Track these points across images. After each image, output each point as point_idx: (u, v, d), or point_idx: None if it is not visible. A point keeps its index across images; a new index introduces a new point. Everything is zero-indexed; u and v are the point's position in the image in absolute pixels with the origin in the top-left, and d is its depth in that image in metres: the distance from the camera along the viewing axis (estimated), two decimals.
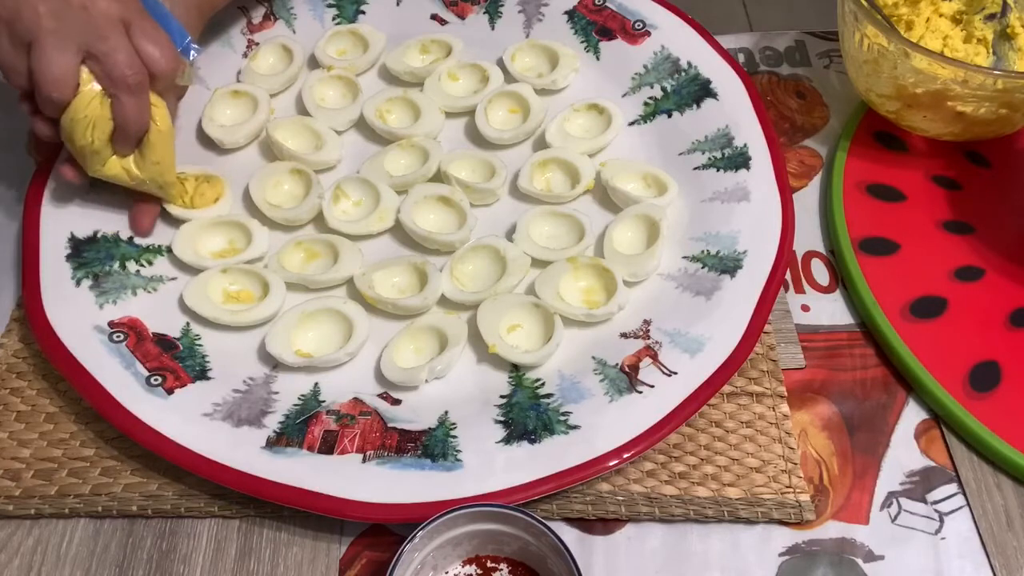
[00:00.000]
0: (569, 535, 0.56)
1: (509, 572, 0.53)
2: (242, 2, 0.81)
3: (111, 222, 0.67)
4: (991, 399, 0.59)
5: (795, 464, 0.57)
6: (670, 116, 0.74)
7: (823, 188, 0.73)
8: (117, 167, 0.63)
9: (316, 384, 0.61)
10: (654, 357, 0.60)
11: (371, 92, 0.76)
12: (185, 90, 0.69)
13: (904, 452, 0.59)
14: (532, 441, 0.56)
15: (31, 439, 0.59)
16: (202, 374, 0.61)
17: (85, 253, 0.66)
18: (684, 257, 0.66)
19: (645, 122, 0.75)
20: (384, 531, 0.56)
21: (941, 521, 0.56)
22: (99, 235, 0.67)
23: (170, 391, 0.59)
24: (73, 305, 0.63)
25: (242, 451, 0.56)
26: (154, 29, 0.61)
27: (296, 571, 0.55)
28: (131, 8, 0.60)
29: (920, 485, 0.58)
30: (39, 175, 0.69)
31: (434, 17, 0.82)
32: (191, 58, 0.65)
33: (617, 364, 0.60)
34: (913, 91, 0.67)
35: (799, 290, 0.67)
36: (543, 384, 0.60)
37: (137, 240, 0.67)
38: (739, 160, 0.69)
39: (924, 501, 0.57)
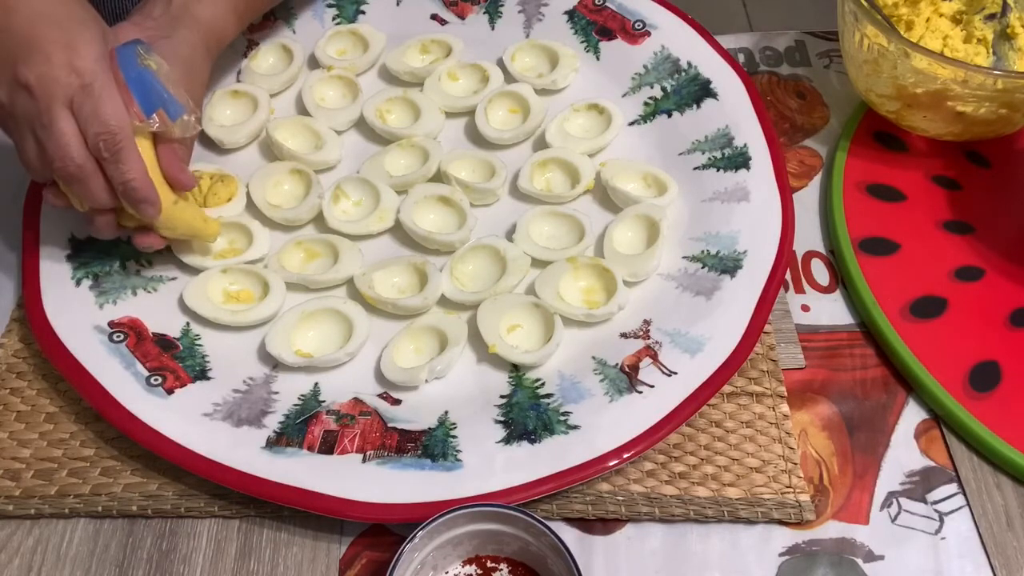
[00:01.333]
0: (569, 535, 0.56)
1: (509, 572, 0.53)
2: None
3: None
4: (991, 399, 0.59)
5: (795, 464, 0.57)
6: (670, 116, 0.74)
7: (823, 188, 0.73)
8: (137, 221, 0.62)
9: (316, 384, 0.61)
10: (654, 357, 0.60)
11: (371, 92, 0.76)
12: (194, 138, 0.65)
13: (904, 452, 0.59)
14: (532, 441, 0.56)
15: (31, 439, 0.59)
16: (202, 374, 0.61)
17: (85, 253, 0.66)
18: (684, 257, 0.66)
19: (645, 122, 0.75)
20: (384, 531, 0.56)
21: (941, 521, 0.56)
22: None
23: (170, 391, 0.59)
24: (73, 305, 0.63)
25: (242, 451, 0.56)
26: (106, 99, 0.55)
27: (296, 571, 0.55)
28: (86, 75, 0.55)
29: (920, 485, 0.58)
30: None
31: (434, 17, 0.82)
32: (175, 120, 0.59)
33: (617, 364, 0.60)
34: (913, 91, 0.67)
35: (799, 290, 0.67)
36: (543, 384, 0.60)
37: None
38: (739, 160, 0.69)
39: (924, 501, 0.57)
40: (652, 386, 0.58)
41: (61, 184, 0.58)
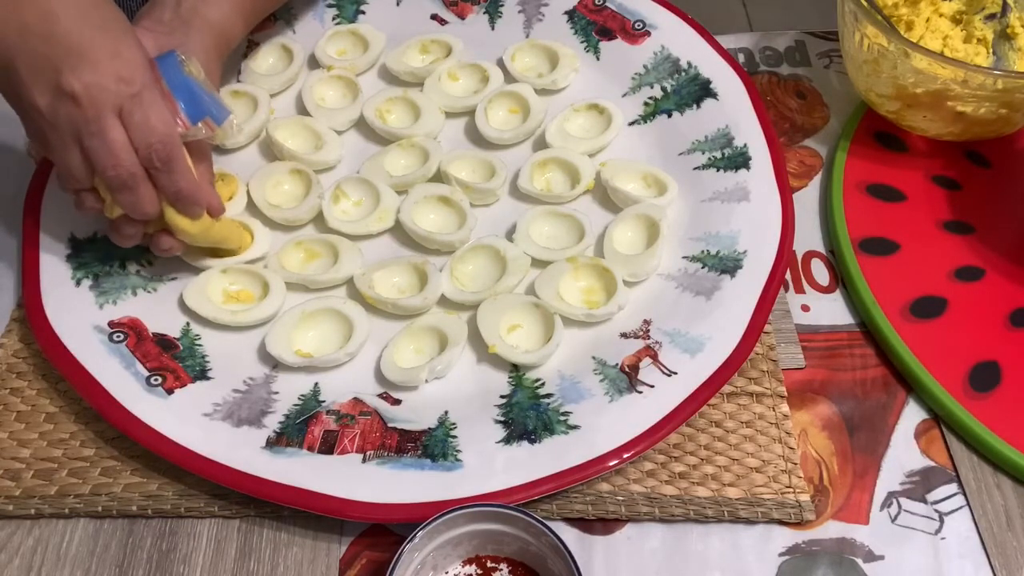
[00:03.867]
0: (569, 535, 0.56)
1: (509, 572, 0.53)
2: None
3: None
4: (991, 399, 0.59)
5: (795, 464, 0.57)
6: (670, 116, 0.74)
7: (823, 188, 0.73)
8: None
9: (316, 384, 0.61)
10: (654, 357, 0.60)
11: (371, 92, 0.76)
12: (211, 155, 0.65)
13: (904, 452, 0.59)
14: (532, 441, 0.56)
15: (31, 439, 0.59)
16: (202, 374, 0.61)
17: (85, 253, 0.66)
18: (684, 257, 0.66)
19: (645, 122, 0.75)
20: (384, 531, 0.56)
21: (941, 521, 0.56)
22: (99, 235, 0.67)
23: (170, 391, 0.59)
24: (73, 305, 0.63)
25: (242, 451, 0.56)
26: (156, 109, 0.56)
27: (296, 571, 0.55)
28: (135, 84, 0.55)
29: (920, 485, 0.58)
30: (39, 175, 0.69)
31: (434, 17, 0.82)
32: (222, 124, 0.60)
33: (617, 364, 0.60)
34: (913, 91, 0.67)
35: (799, 290, 0.67)
36: (543, 384, 0.60)
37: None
38: (739, 160, 0.69)
39: (924, 501, 0.57)
40: (652, 386, 0.58)
41: (103, 191, 0.58)
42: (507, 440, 0.57)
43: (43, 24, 0.53)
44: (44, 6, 0.54)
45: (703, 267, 0.65)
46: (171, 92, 0.58)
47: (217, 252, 0.66)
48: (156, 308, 0.64)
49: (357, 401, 0.60)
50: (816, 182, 0.73)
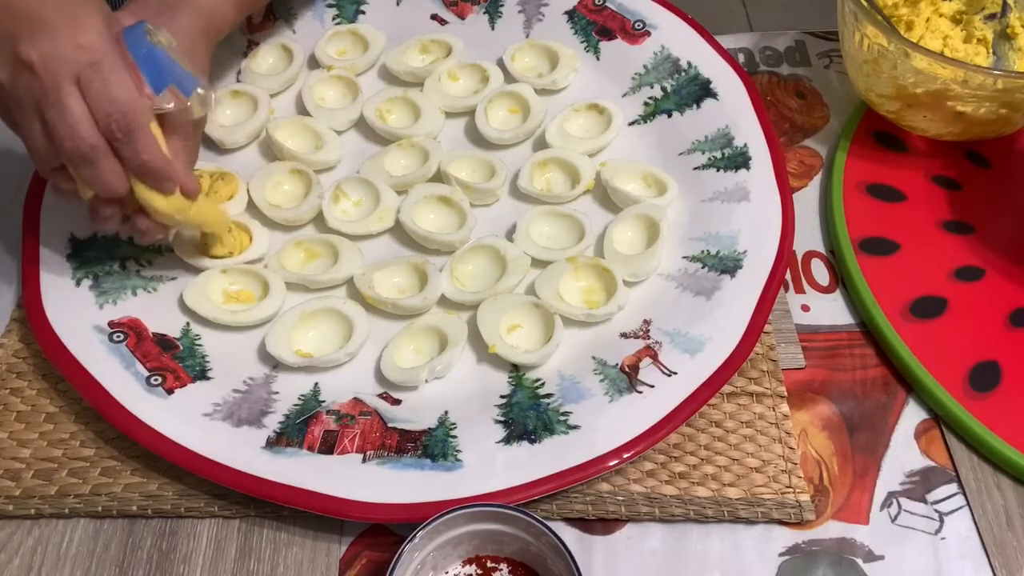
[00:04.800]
0: (569, 535, 0.56)
1: (509, 572, 0.53)
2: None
3: None
4: (991, 399, 0.59)
5: (795, 464, 0.57)
6: (670, 116, 0.74)
7: (823, 188, 0.73)
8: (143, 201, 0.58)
9: (316, 384, 0.61)
10: (654, 357, 0.60)
11: (371, 92, 0.76)
12: (204, 119, 0.63)
13: (904, 452, 0.59)
14: (532, 441, 0.56)
15: (31, 439, 0.59)
16: (202, 374, 0.61)
17: (85, 253, 0.66)
18: (684, 257, 0.66)
19: (645, 122, 0.75)
20: (384, 531, 0.56)
21: (941, 521, 0.56)
22: (99, 235, 0.67)
23: (170, 391, 0.59)
24: (73, 305, 0.63)
25: (242, 451, 0.56)
26: (116, 78, 0.53)
27: (296, 571, 0.55)
28: (95, 52, 0.53)
29: (920, 485, 0.58)
30: (39, 175, 0.69)
31: (434, 17, 0.82)
32: (190, 95, 0.57)
33: (617, 364, 0.60)
34: (913, 91, 0.67)
35: (799, 290, 0.67)
36: (543, 384, 0.60)
37: (137, 240, 0.67)
38: (739, 160, 0.69)
39: (924, 501, 0.57)
40: (652, 386, 0.58)
41: (70, 168, 0.56)
42: (507, 440, 0.57)
43: None
44: None
45: (703, 267, 0.65)
46: (136, 64, 0.54)
47: (210, 249, 0.65)
48: (156, 308, 0.64)
49: (357, 401, 0.60)
50: (816, 182, 0.73)
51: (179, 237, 0.66)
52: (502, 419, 0.58)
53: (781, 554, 0.55)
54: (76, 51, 0.52)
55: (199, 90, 0.58)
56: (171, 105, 0.56)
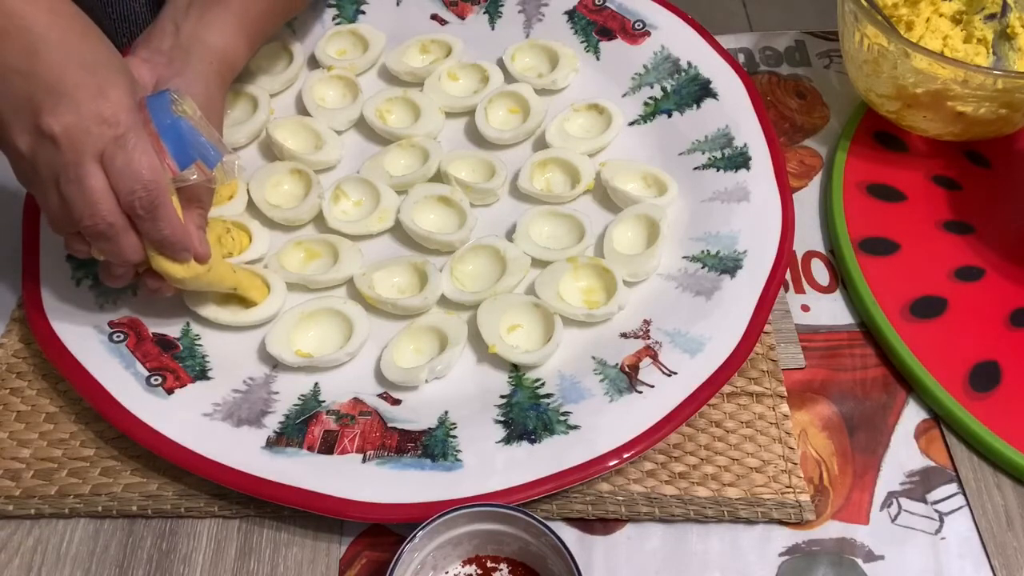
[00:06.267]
0: (569, 535, 0.56)
1: (509, 572, 0.53)
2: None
3: None
4: (991, 399, 0.59)
5: (795, 464, 0.57)
6: (670, 116, 0.74)
7: (823, 188, 0.73)
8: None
9: (316, 384, 0.61)
10: (654, 357, 0.60)
11: (371, 92, 0.76)
12: (212, 192, 0.61)
13: (904, 452, 0.59)
14: (532, 441, 0.56)
15: (31, 439, 0.59)
16: (202, 374, 0.61)
17: None
18: (684, 257, 0.66)
19: (645, 122, 0.75)
20: (384, 531, 0.56)
21: (941, 521, 0.56)
22: None
23: (170, 391, 0.59)
24: (73, 305, 0.63)
25: (242, 451, 0.56)
26: (140, 154, 0.52)
27: (296, 571, 0.55)
28: (119, 126, 0.52)
29: (920, 485, 0.58)
30: None
31: (434, 17, 0.82)
32: (214, 168, 0.56)
33: (617, 364, 0.60)
34: (913, 91, 0.67)
35: (799, 290, 0.67)
36: (543, 384, 0.60)
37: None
38: (739, 160, 0.69)
39: (924, 501, 0.57)
40: (652, 386, 0.58)
41: (87, 237, 0.54)
42: (507, 440, 0.57)
43: (25, 61, 0.50)
44: (27, 42, 0.50)
45: (703, 267, 0.65)
46: (159, 135, 0.54)
47: (229, 298, 0.63)
48: (156, 308, 0.64)
49: (357, 401, 0.60)
50: (816, 182, 0.73)
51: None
52: (502, 419, 0.58)
53: (781, 554, 0.55)
54: (100, 125, 0.51)
55: (224, 159, 0.57)
56: (195, 178, 0.56)
